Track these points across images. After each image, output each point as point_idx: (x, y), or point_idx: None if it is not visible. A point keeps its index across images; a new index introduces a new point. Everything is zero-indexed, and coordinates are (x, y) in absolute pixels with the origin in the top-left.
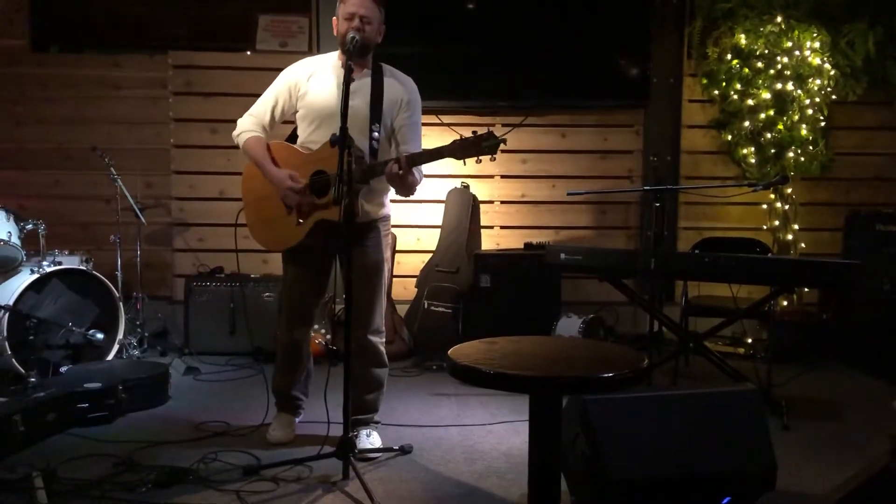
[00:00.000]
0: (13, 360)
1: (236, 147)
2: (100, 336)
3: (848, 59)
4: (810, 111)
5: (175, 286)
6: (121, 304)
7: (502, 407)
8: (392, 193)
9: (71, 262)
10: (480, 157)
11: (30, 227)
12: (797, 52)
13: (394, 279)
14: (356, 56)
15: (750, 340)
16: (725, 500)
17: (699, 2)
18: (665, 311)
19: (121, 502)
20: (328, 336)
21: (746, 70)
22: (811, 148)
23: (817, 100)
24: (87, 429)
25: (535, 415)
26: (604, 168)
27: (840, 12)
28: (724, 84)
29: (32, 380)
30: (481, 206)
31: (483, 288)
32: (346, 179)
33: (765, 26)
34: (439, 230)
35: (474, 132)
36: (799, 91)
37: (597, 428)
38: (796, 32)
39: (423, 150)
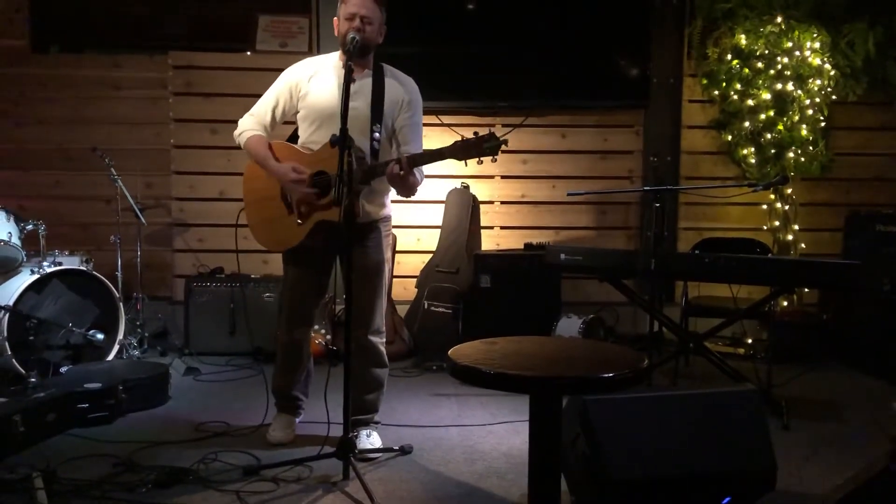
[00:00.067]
0: (13, 360)
1: (236, 147)
2: (100, 336)
3: (848, 59)
4: (810, 111)
5: (175, 286)
6: (121, 304)
7: (502, 407)
8: (393, 194)
9: (71, 262)
10: (482, 158)
11: (30, 227)
12: (797, 53)
13: (394, 279)
14: (357, 56)
15: (750, 341)
16: (725, 501)
17: (699, 2)
18: (665, 312)
19: (121, 502)
20: (328, 336)
21: (746, 70)
22: (811, 148)
23: (817, 100)
24: (88, 429)
25: (535, 415)
26: (604, 168)
27: (840, 12)
28: (724, 84)
29: (32, 380)
30: (481, 206)
31: (483, 288)
32: (347, 180)
33: (765, 26)
34: (439, 230)
35: (476, 133)
36: (799, 91)
37: (597, 428)
38: (796, 33)
39: (425, 150)
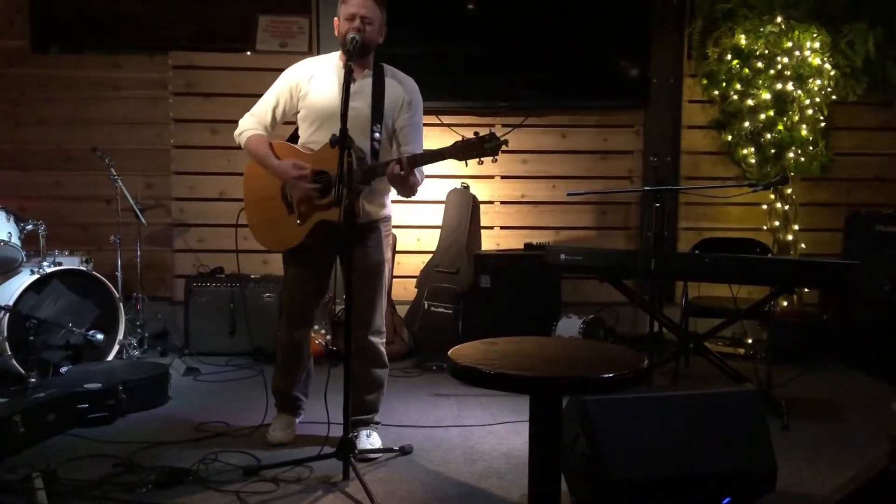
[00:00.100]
0: (13, 360)
1: (236, 148)
2: (100, 337)
3: (848, 59)
4: (810, 111)
5: (175, 287)
6: (121, 304)
7: (502, 407)
8: (393, 194)
9: (71, 262)
10: (482, 159)
11: (30, 227)
12: (797, 53)
13: (394, 279)
14: (357, 56)
15: (750, 341)
16: (726, 501)
17: (699, 2)
18: (665, 312)
19: (121, 503)
20: (328, 336)
21: (746, 70)
22: (811, 148)
23: (817, 100)
24: (88, 429)
25: (535, 415)
26: (604, 168)
27: (840, 13)
28: (724, 84)
29: (32, 380)
30: (481, 206)
31: (483, 288)
32: (346, 180)
33: (765, 27)
34: (439, 231)
35: (476, 133)
36: (799, 91)
37: (597, 428)
38: (796, 33)
39: (426, 151)
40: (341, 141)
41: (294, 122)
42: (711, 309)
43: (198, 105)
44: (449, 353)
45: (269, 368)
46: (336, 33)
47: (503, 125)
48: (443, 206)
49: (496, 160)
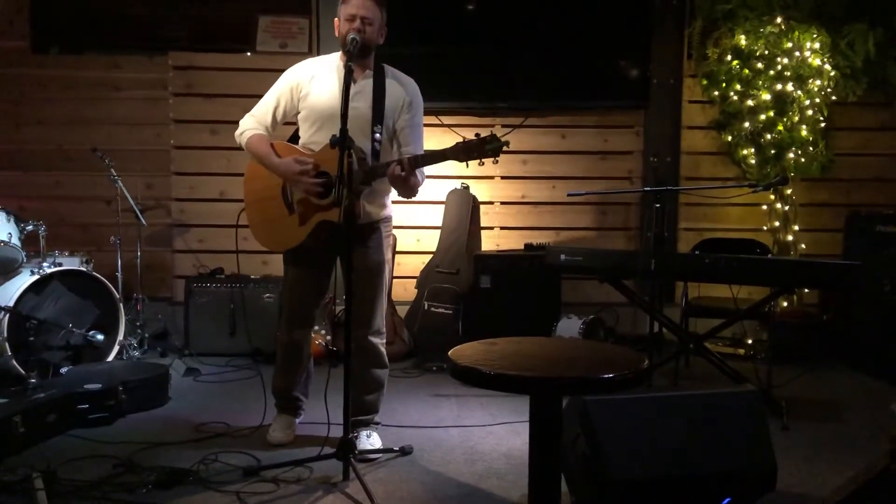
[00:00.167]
0: (13, 361)
1: (237, 148)
2: (100, 337)
3: (848, 59)
4: (810, 112)
5: (175, 287)
6: (121, 305)
7: (503, 408)
8: (393, 194)
9: (71, 263)
10: (483, 160)
11: (30, 228)
12: (797, 53)
13: (394, 280)
14: (357, 57)
15: (750, 341)
16: (726, 501)
17: (699, 3)
18: (665, 312)
19: (121, 503)
20: (328, 337)
21: (746, 71)
22: (811, 149)
23: (817, 101)
24: (88, 430)
25: (535, 416)
26: (604, 169)
27: (840, 13)
28: (724, 85)
29: (33, 381)
30: (481, 206)
31: (483, 289)
32: (347, 181)
33: (765, 27)
34: (439, 231)
35: (477, 135)
36: (799, 92)
37: (597, 428)
38: (796, 33)
39: (427, 151)
40: (341, 141)
41: (295, 123)
42: (711, 309)
43: (198, 105)
44: (449, 353)
45: (268, 369)
46: (336, 34)
47: (503, 125)
48: (443, 206)
49: (497, 161)
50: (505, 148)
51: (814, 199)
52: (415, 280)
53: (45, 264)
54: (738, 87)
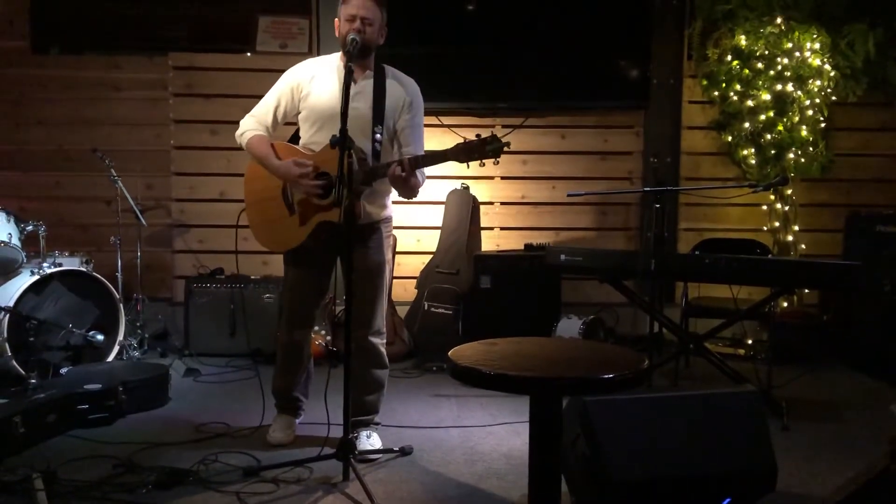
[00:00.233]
0: (13, 361)
1: (237, 148)
2: (100, 337)
3: (848, 60)
4: (810, 112)
5: (175, 288)
6: (121, 305)
7: (503, 408)
8: (393, 194)
9: (71, 263)
10: (483, 160)
11: (30, 228)
12: (797, 54)
13: (394, 280)
14: (357, 58)
15: (750, 342)
16: (726, 501)
17: (699, 3)
18: (665, 313)
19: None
20: (329, 337)
21: (746, 71)
22: (811, 149)
23: (817, 101)
24: (88, 430)
25: (535, 416)
26: (604, 169)
27: (840, 13)
28: (724, 85)
29: (33, 381)
30: (481, 207)
31: (483, 289)
32: (347, 181)
33: (765, 27)
34: (439, 231)
35: (478, 135)
36: (799, 92)
37: (597, 429)
38: (796, 33)
39: (427, 152)
40: (341, 141)
41: (295, 123)
42: (711, 309)
43: (198, 106)
44: (449, 353)
45: (266, 369)
46: (336, 34)
47: (503, 126)
48: (443, 206)
49: (497, 162)
50: (505, 148)
51: (814, 199)
52: (415, 280)
53: (45, 264)
54: (738, 87)
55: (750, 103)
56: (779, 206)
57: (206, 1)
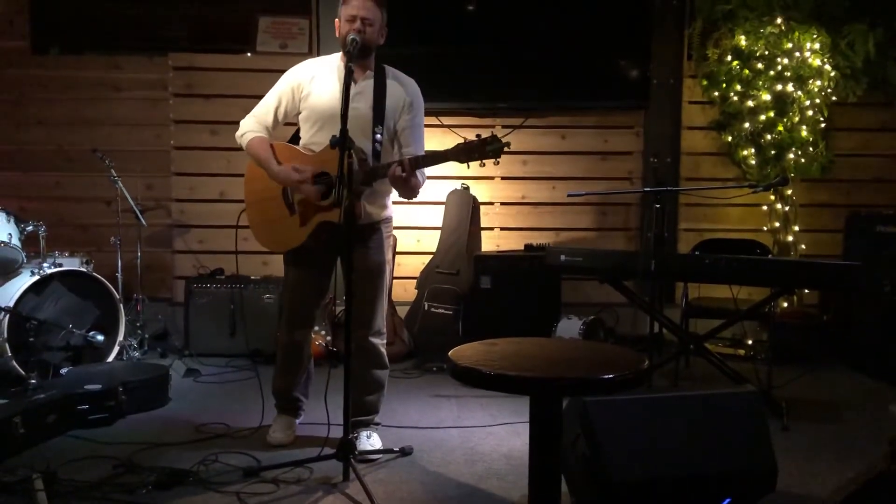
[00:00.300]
0: (13, 361)
1: (237, 149)
2: (100, 338)
3: (848, 60)
4: (810, 112)
5: (175, 288)
6: (121, 305)
7: (503, 409)
8: (393, 194)
9: (71, 263)
10: (483, 161)
11: (30, 228)
12: (797, 54)
13: (394, 280)
14: (357, 58)
15: (750, 342)
16: (726, 502)
17: (699, 3)
18: (665, 313)
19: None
20: (329, 337)
21: (746, 71)
22: (811, 149)
23: (817, 101)
24: (88, 430)
25: (535, 416)
26: (604, 169)
27: (840, 13)
28: (724, 85)
29: (33, 381)
30: (481, 207)
31: (483, 289)
32: (347, 181)
33: (765, 28)
34: (439, 232)
35: (478, 135)
36: (799, 92)
37: (597, 429)
38: (796, 34)
39: (428, 152)
40: (341, 142)
41: (295, 123)
42: (711, 310)
43: (198, 106)
44: (449, 354)
45: (266, 370)
46: (336, 34)
47: (503, 126)
48: (443, 207)
49: (497, 162)
50: (505, 149)
51: (814, 199)
52: (415, 280)
53: (45, 265)
54: (738, 87)
55: (750, 103)
56: (779, 206)
57: (206, 1)
